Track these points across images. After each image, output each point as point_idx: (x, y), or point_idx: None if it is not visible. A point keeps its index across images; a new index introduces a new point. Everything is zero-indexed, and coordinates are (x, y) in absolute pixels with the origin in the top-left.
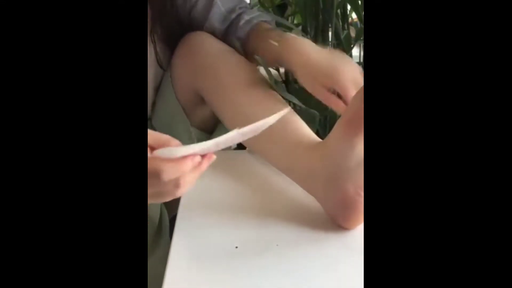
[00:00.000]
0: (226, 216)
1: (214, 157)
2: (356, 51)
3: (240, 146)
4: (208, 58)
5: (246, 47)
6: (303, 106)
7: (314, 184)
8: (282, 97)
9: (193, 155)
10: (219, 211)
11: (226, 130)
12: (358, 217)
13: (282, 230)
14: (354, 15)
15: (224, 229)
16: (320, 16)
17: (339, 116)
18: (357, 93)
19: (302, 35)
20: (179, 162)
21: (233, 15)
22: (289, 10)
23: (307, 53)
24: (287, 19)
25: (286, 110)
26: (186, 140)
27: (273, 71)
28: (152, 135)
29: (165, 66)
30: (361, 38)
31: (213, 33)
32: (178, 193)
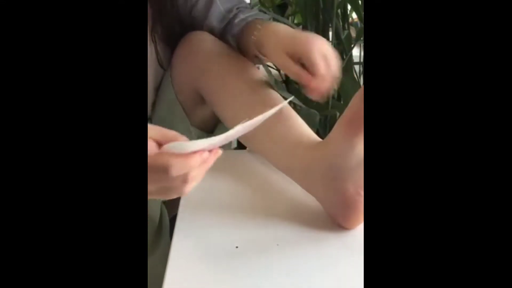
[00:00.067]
0: (227, 216)
1: (220, 151)
2: (357, 51)
3: (240, 146)
4: (208, 57)
5: (240, 44)
6: (303, 106)
7: (314, 184)
8: (282, 97)
9: (202, 150)
10: (219, 211)
11: (226, 130)
12: (358, 217)
13: (283, 230)
14: (354, 15)
15: (225, 229)
16: (321, 16)
17: (340, 116)
18: (358, 93)
19: None
20: (188, 158)
21: (231, 14)
22: (289, 10)
23: (278, 30)
24: (287, 19)
25: (286, 102)
26: None
27: (273, 71)
28: (160, 131)
29: (165, 65)
30: (362, 38)
31: (212, 32)
32: (185, 189)
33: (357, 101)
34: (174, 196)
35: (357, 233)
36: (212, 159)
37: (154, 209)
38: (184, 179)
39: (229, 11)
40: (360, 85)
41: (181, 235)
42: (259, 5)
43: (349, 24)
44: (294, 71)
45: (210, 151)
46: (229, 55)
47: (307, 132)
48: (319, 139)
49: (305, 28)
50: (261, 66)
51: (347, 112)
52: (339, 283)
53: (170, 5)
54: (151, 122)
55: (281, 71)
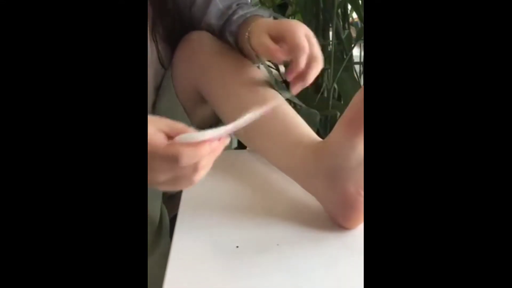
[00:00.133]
0: (227, 216)
1: (229, 139)
2: (357, 51)
3: (241, 146)
4: (209, 57)
5: (238, 42)
6: (303, 105)
7: (315, 184)
8: (283, 96)
9: (211, 139)
10: (219, 211)
11: None
12: (358, 217)
13: (283, 229)
14: (354, 15)
15: (225, 228)
16: (321, 16)
17: (340, 116)
18: (358, 93)
19: None
20: (198, 147)
21: (230, 11)
22: (289, 10)
23: (266, 20)
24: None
25: (283, 99)
26: None
27: (273, 71)
28: (168, 123)
29: (166, 65)
30: (362, 38)
31: (211, 29)
32: (195, 178)
33: (357, 101)
34: (184, 187)
35: (357, 233)
36: (220, 147)
37: (154, 209)
38: (195, 168)
39: (228, 7)
40: (360, 85)
41: (181, 235)
42: (259, 5)
43: (350, 24)
44: (270, 47)
45: (218, 140)
46: (228, 55)
47: (308, 132)
48: (319, 139)
49: None
50: (261, 66)
51: (348, 112)
52: (339, 283)
53: (171, 3)
54: None
55: (281, 71)
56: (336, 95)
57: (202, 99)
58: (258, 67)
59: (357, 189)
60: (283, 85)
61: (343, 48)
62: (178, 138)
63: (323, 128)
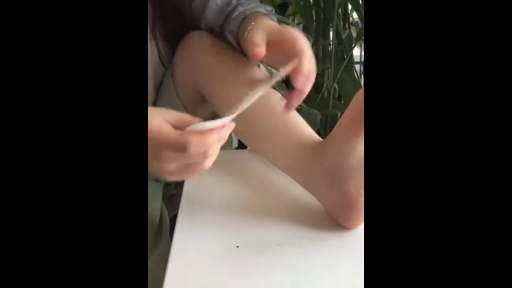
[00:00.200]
0: (227, 216)
1: (234, 124)
2: (357, 51)
3: (241, 146)
4: (209, 57)
5: (239, 41)
6: (304, 105)
7: (315, 184)
8: (282, 95)
9: (219, 128)
10: (219, 211)
11: None
12: (358, 216)
13: (283, 229)
14: (355, 15)
15: (225, 228)
16: (321, 16)
17: (340, 116)
18: (358, 93)
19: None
20: (206, 134)
21: (229, 8)
22: (290, 10)
23: (268, 22)
24: (288, 19)
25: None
26: None
27: (273, 70)
28: (175, 115)
29: (167, 64)
30: (362, 38)
31: (210, 27)
32: (205, 165)
33: (358, 101)
34: (195, 175)
35: (357, 233)
36: (226, 134)
37: (154, 209)
38: (205, 155)
39: (228, 4)
40: (360, 85)
41: (181, 235)
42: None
43: (350, 24)
44: (256, 40)
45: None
46: (229, 55)
47: (308, 132)
48: (320, 139)
49: (305, 28)
50: (261, 66)
51: (348, 112)
52: (339, 283)
53: (170, 2)
54: None
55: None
56: (336, 95)
57: (202, 99)
58: (258, 66)
59: (357, 189)
60: (283, 84)
61: (343, 48)
62: (189, 128)
63: (323, 128)
